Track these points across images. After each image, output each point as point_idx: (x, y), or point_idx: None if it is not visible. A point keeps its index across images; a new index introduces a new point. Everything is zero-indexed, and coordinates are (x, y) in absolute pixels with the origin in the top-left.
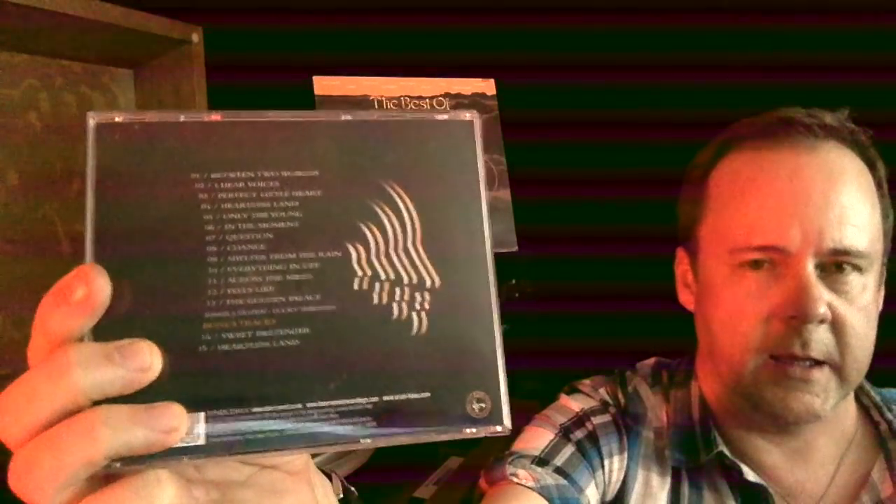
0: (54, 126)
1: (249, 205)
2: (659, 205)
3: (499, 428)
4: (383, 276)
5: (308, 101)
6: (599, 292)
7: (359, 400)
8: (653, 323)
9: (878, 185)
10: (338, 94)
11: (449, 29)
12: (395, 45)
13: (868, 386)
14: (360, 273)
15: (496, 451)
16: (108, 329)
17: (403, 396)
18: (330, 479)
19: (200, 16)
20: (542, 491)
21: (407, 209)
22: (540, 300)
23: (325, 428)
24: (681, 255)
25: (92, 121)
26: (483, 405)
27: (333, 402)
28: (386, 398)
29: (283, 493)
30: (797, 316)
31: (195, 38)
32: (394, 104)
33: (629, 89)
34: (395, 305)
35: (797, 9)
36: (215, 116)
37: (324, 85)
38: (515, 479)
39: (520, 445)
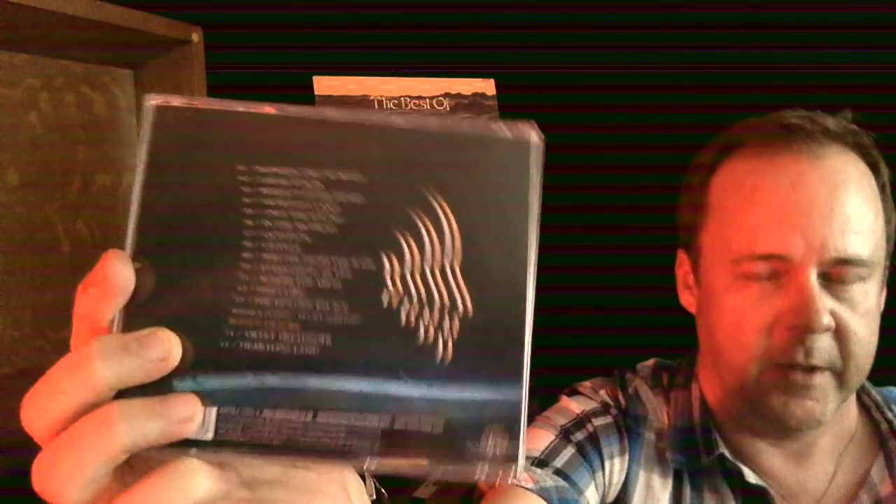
0: (54, 126)
1: (290, 203)
2: (660, 205)
3: (512, 471)
4: (414, 295)
5: (308, 101)
6: (599, 292)
7: (370, 419)
8: (653, 323)
9: (882, 189)
10: (338, 94)
11: (449, 29)
12: (395, 45)
13: (869, 385)
14: (391, 288)
15: None
16: (140, 315)
17: (416, 425)
18: (363, 479)
19: (200, 16)
20: (542, 492)
21: (449, 226)
22: (540, 300)
23: (332, 443)
24: (682, 258)
25: (151, 103)
26: (499, 444)
27: (343, 419)
28: (397, 424)
29: (315, 493)
30: (800, 327)
31: (195, 38)
32: (394, 104)
33: (629, 89)
34: (421, 329)
35: (796, 8)
36: (269, 109)
37: (324, 85)
38: (515, 481)
39: None
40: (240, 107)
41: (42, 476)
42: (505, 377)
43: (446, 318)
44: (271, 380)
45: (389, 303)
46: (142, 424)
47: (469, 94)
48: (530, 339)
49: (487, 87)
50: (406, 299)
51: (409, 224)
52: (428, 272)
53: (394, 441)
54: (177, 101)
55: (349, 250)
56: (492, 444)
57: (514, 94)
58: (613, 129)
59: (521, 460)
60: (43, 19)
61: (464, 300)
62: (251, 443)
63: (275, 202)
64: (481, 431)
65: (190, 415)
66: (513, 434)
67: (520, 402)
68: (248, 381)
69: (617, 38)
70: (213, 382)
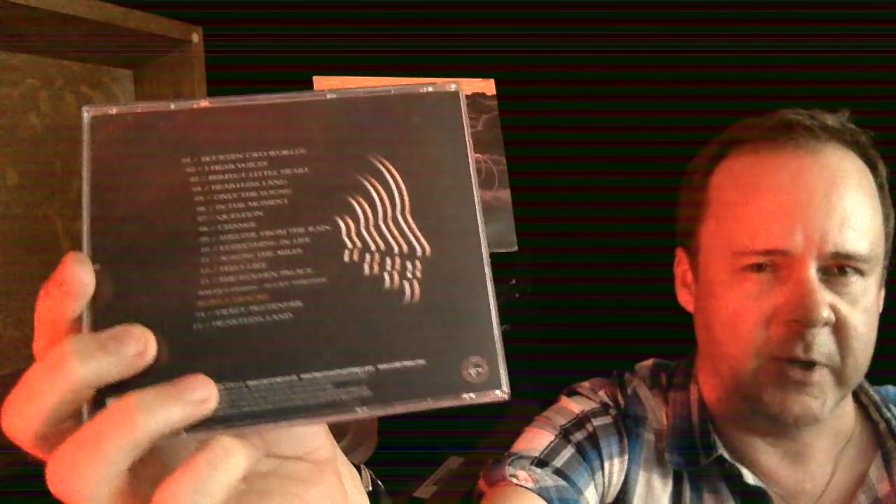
0: (54, 126)
1: (239, 185)
2: (659, 205)
3: (497, 392)
4: (373, 247)
5: None
6: (599, 292)
7: (353, 370)
8: (652, 323)
9: (880, 187)
10: None
11: (449, 29)
12: (395, 45)
13: (867, 384)
14: (350, 245)
15: (496, 452)
16: (106, 315)
17: (398, 364)
18: (359, 471)
19: (200, 16)
20: (542, 492)
21: (395, 181)
22: (540, 300)
23: (321, 399)
24: (680, 256)
25: (87, 114)
26: (480, 370)
27: (328, 373)
28: (381, 367)
29: (309, 483)
30: (799, 320)
31: (195, 38)
32: None
33: (629, 90)
34: (386, 275)
35: (796, 8)
36: (204, 103)
37: (324, 85)
38: (515, 481)
39: (519, 446)
40: (174, 105)
41: (61, 476)
42: (474, 306)
43: (407, 261)
44: (250, 350)
45: (351, 258)
46: (163, 411)
47: (469, 94)
48: (490, 266)
49: (487, 87)
50: (366, 252)
51: (357, 186)
52: (382, 225)
53: (380, 386)
54: (113, 109)
55: (304, 219)
56: (473, 371)
57: (515, 94)
58: (612, 131)
59: (505, 383)
60: (43, 19)
61: (421, 244)
62: (240, 414)
63: (224, 186)
64: (461, 361)
65: (208, 394)
66: (491, 358)
67: (492, 327)
68: (227, 356)
69: (616, 40)
70: (193, 365)
